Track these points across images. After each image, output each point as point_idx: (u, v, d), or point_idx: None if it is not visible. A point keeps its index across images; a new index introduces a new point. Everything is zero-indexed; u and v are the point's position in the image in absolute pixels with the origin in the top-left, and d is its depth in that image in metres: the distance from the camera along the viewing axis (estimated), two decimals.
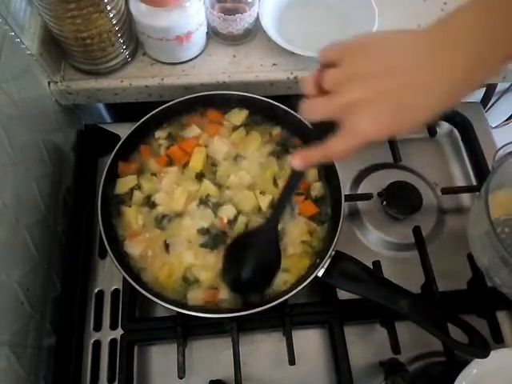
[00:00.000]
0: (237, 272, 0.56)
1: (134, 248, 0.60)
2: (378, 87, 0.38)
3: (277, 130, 0.69)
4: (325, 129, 0.41)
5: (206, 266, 0.59)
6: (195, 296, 0.58)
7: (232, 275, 0.57)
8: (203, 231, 0.61)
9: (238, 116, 0.69)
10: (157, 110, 0.66)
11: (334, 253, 0.57)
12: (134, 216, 0.61)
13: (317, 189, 0.64)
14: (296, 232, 0.61)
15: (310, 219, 0.62)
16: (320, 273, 0.56)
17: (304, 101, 0.42)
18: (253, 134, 0.68)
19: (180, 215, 0.62)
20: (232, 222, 0.61)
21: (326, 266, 0.56)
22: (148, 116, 0.66)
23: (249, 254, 0.56)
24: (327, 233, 0.62)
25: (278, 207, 0.54)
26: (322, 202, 0.64)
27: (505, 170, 0.58)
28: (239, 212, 0.62)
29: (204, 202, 0.63)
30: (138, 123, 0.65)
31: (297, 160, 0.44)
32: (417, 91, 0.37)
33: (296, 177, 0.49)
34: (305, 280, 0.55)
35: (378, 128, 0.39)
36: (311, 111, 0.41)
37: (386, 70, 0.38)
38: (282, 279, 0.58)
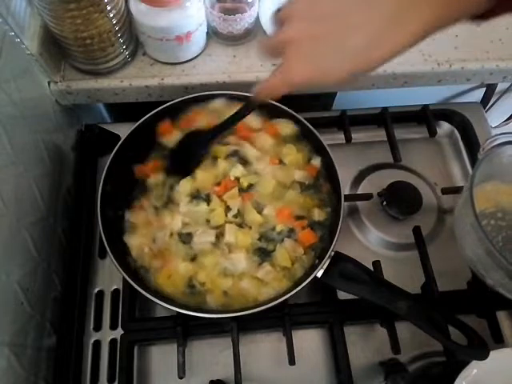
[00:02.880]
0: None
1: (133, 239, 0.61)
2: (311, 30, 0.41)
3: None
4: None
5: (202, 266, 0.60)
6: (212, 300, 0.58)
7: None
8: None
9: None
10: (157, 110, 0.66)
11: (333, 253, 0.57)
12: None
13: (318, 214, 0.63)
14: (280, 256, 0.60)
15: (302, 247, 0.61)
16: (319, 273, 0.56)
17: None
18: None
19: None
20: None
21: (325, 267, 0.56)
22: (148, 116, 0.65)
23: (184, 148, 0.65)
24: (327, 233, 0.62)
25: (219, 128, 0.61)
26: (322, 227, 0.62)
27: (492, 161, 0.57)
28: None
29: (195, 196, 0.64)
30: (138, 123, 0.65)
31: (255, 92, 0.49)
32: (346, 32, 0.40)
33: (246, 107, 0.57)
34: (304, 280, 0.55)
35: (304, 73, 0.42)
36: (263, 46, 0.46)
37: (323, 14, 0.41)
38: (259, 290, 0.58)
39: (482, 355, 0.51)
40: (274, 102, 0.65)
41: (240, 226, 0.62)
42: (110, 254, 0.56)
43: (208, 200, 0.63)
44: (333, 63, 0.41)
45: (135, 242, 0.61)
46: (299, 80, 0.43)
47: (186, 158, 0.64)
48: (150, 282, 0.59)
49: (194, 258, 0.60)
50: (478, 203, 0.53)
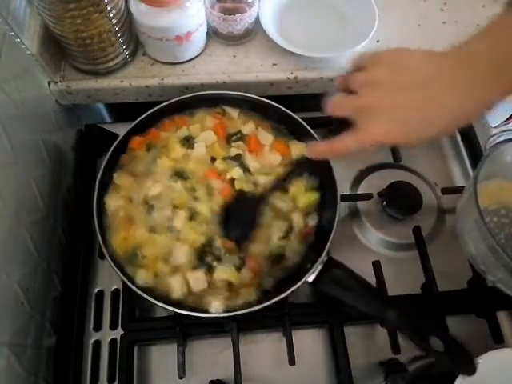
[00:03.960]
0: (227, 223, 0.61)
1: (113, 200, 0.61)
2: (395, 98, 0.42)
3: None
4: (342, 127, 0.46)
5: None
6: (141, 276, 0.58)
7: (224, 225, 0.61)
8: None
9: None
10: (155, 109, 0.66)
11: (326, 259, 0.56)
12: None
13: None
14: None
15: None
16: (310, 278, 0.55)
17: (330, 98, 0.47)
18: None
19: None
20: None
21: (317, 272, 0.55)
22: (146, 115, 0.65)
23: (237, 212, 0.61)
24: (320, 237, 0.61)
25: (270, 190, 0.60)
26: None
27: (495, 159, 0.57)
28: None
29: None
30: (135, 122, 0.65)
31: (308, 149, 0.50)
32: (431, 107, 0.41)
33: (295, 170, 0.58)
34: (296, 283, 0.55)
35: (385, 133, 0.43)
36: (335, 107, 0.47)
37: (407, 84, 0.42)
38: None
39: (470, 370, 0.51)
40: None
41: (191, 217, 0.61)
42: (106, 255, 0.56)
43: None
44: (417, 127, 0.42)
45: (114, 203, 0.61)
46: (378, 139, 0.43)
47: (237, 223, 0.61)
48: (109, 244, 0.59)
49: (152, 231, 0.60)
50: (482, 200, 0.53)
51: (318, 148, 0.49)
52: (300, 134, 0.66)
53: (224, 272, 0.58)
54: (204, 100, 0.68)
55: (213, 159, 0.65)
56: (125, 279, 0.55)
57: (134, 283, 0.56)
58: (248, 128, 0.68)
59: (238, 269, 0.59)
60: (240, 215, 0.61)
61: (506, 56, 0.38)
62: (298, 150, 0.66)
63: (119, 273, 0.55)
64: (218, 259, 0.59)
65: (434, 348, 0.51)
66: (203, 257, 0.59)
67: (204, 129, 0.67)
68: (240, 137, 0.67)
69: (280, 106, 0.66)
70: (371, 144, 0.44)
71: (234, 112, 0.69)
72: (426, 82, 0.41)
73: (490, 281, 0.58)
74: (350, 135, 0.44)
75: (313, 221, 0.63)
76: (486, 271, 0.58)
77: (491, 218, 0.62)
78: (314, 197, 0.64)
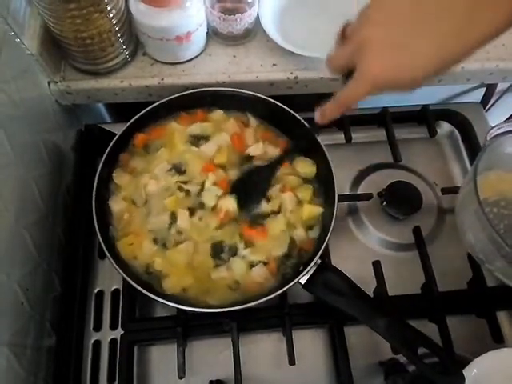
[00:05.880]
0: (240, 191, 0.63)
1: (116, 204, 0.62)
2: (382, 28, 0.43)
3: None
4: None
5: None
6: (169, 285, 0.58)
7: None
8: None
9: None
10: (152, 106, 0.66)
11: (319, 262, 0.56)
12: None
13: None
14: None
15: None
16: (303, 280, 0.55)
17: (329, 54, 0.49)
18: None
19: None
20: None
21: (310, 273, 0.55)
22: (142, 113, 0.65)
23: (249, 182, 0.63)
24: (316, 240, 0.61)
25: (279, 160, 0.63)
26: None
27: (495, 150, 0.58)
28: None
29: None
30: (132, 120, 0.65)
31: (316, 116, 0.51)
32: (418, 32, 0.41)
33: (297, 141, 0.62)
34: (287, 284, 0.55)
35: (382, 67, 0.43)
36: (335, 59, 0.49)
37: (392, 15, 0.42)
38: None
39: (457, 382, 0.50)
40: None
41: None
42: (107, 253, 0.56)
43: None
44: (412, 55, 0.42)
45: (118, 206, 0.62)
46: (376, 76, 0.43)
47: (249, 194, 0.63)
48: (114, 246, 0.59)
49: (158, 242, 0.60)
50: (482, 191, 0.53)
51: (327, 110, 0.50)
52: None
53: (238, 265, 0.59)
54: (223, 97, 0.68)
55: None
56: (127, 278, 0.55)
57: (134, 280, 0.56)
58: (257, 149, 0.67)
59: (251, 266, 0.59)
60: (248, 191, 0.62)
61: None
62: (303, 165, 0.66)
63: (123, 274, 0.55)
64: (234, 254, 0.60)
65: (421, 360, 0.50)
66: (219, 252, 0.60)
67: (220, 131, 0.67)
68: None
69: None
70: (373, 84, 0.44)
71: (254, 122, 0.69)
72: (413, 10, 0.41)
73: (488, 270, 0.58)
74: (351, 86, 0.46)
75: (314, 234, 0.62)
76: (484, 260, 0.59)
77: (491, 208, 0.63)
78: (317, 210, 0.63)
